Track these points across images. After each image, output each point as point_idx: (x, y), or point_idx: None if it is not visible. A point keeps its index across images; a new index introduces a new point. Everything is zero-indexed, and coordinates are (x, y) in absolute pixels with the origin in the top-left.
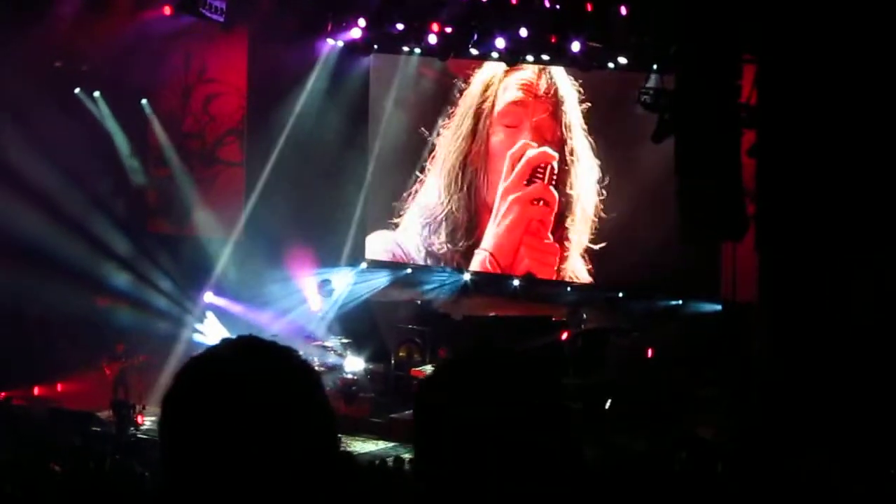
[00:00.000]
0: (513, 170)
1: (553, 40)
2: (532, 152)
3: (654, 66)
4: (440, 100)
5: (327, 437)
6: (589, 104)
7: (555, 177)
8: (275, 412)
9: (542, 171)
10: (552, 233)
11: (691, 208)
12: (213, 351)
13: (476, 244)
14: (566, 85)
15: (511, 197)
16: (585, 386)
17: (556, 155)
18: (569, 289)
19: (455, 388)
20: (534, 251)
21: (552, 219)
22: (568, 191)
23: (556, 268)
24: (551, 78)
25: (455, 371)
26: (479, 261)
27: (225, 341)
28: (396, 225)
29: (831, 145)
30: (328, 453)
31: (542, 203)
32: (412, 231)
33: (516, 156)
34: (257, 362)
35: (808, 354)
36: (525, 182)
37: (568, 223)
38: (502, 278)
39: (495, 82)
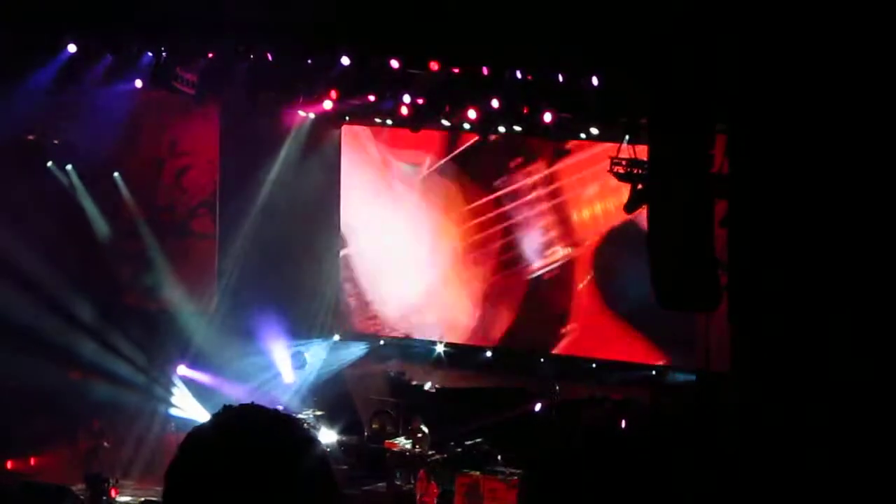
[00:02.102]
0: None
1: (525, 111)
2: None
3: (626, 137)
4: None
5: None
6: None
7: None
8: (279, 485)
9: None
10: None
11: (665, 279)
12: (215, 422)
13: None
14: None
15: None
16: (559, 456)
17: None
18: (542, 360)
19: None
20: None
21: None
22: None
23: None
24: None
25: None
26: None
27: (227, 410)
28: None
29: (804, 216)
30: None
31: None
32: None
33: None
34: (261, 435)
35: (782, 424)
36: None
37: None
38: (475, 350)
39: None
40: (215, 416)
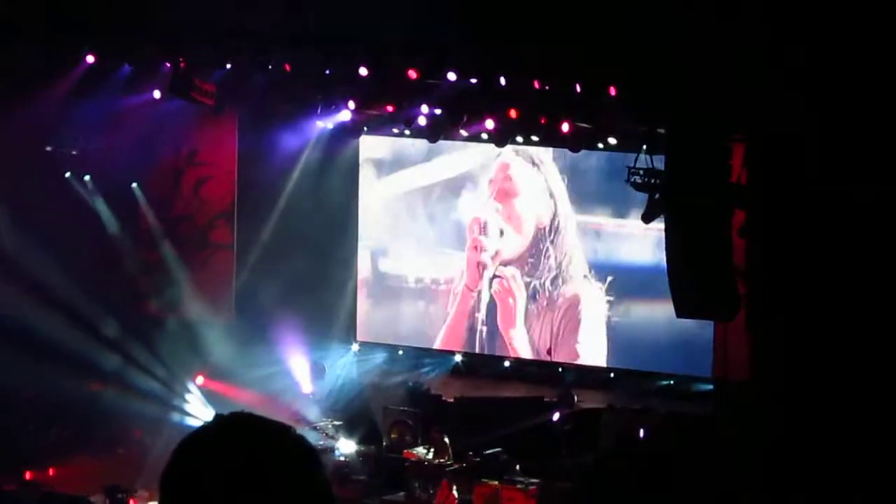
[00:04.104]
0: None
1: (542, 121)
2: None
3: (644, 147)
4: None
5: None
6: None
7: None
8: (271, 491)
9: None
10: None
11: (682, 288)
12: (206, 429)
13: None
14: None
15: None
16: (577, 466)
17: None
18: (560, 369)
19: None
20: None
21: None
22: None
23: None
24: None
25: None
26: None
27: (218, 419)
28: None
29: (822, 226)
30: None
31: None
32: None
33: None
34: (251, 441)
35: (802, 433)
36: None
37: None
38: (493, 359)
39: None
40: (209, 424)
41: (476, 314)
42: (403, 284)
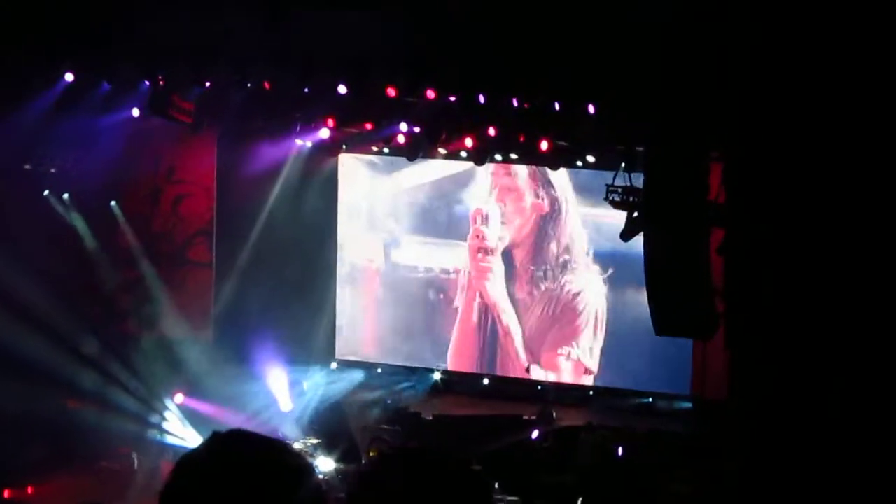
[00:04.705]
0: None
1: (521, 139)
2: None
3: (622, 165)
4: None
5: None
6: None
7: None
8: None
9: None
10: None
11: (661, 307)
12: (203, 448)
13: None
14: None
15: None
16: (556, 484)
17: None
18: (539, 387)
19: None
20: None
21: None
22: None
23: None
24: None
25: (389, 472)
26: None
27: (214, 437)
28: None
29: (801, 244)
30: None
31: None
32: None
33: None
34: (253, 460)
35: (779, 452)
36: None
37: None
38: (473, 377)
39: None
40: (207, 442)
41: (480, 302)
42: (383, 301)
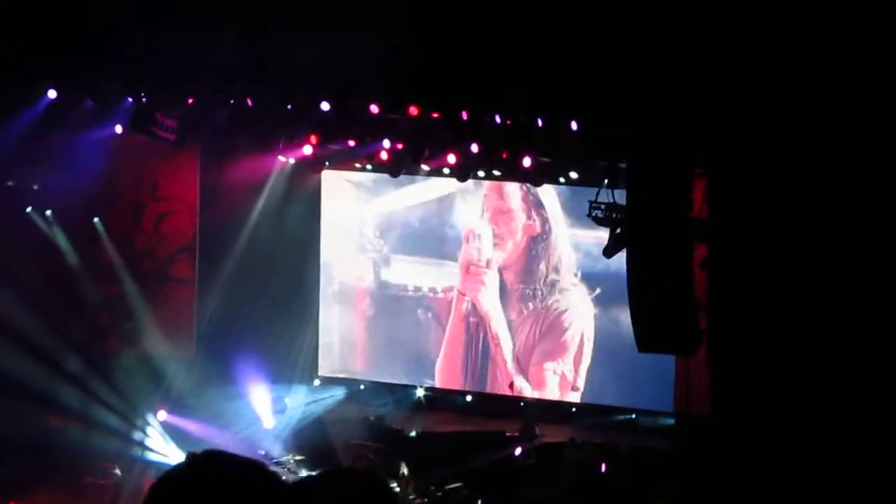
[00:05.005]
0: None
1: (504, 156)
2: None
3: (605, 181)
4: None
5: None
6: None
7: None
8: None
9: None
10: None
11: (644, 322)
12: (179, 469)
13: None
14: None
15: None
16: (538, 501)
17: None
18: (522, 404)
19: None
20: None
21: None
22: None
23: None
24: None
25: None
26: None
27: (190, 458)
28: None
29: (783, 260)
30: None
31: None
32: None
33: None
34: (225, 480)
35: (761, 468)
36: None
37: None
38: (456, 394)
39: None
40: (183, 463)
41: (471, 318)
42: (366, 317)
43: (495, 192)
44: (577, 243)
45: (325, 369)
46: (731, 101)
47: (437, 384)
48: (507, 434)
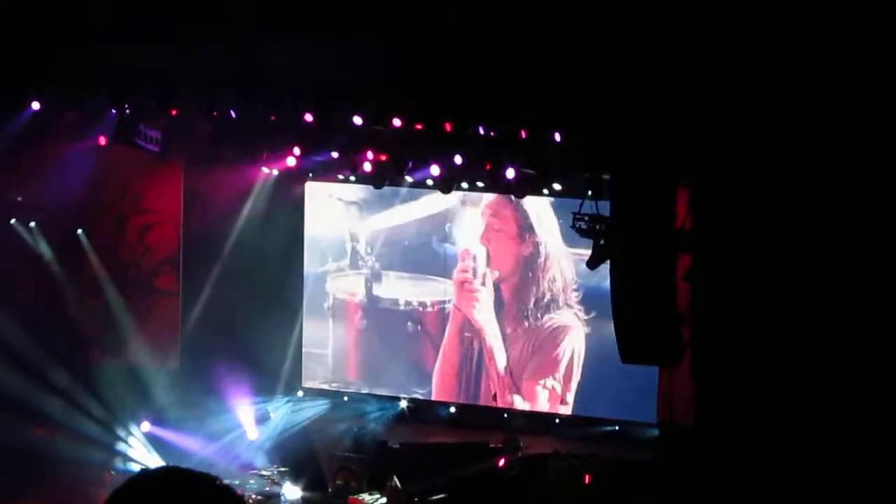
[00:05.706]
0: None
1: (488, 167)
2: None
3: (589, 192)
4: None
5: None
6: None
7: None
8: None
9: None
10: None
11: (627, 334)
12: (133, 483)
13: None
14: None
15: None
16: None
17: None
18: (505, 415)
19: None
20: None
21: None
22: None
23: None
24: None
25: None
26: None
27: (144, 472)
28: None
29: (767, 271)
30: None
31: None
32: None
33: None
34: (178, 493)
35: (743, 478)
36: None
37: None
38: (439, 405)
39: None
40: (134, 477)
41: (466, 333)
42: (350, 329)
43: (489, 210)
44: (571, 261)
45: (308, 381)
46: (714, 114)
47: (434, 395)
48: (491, 445)
